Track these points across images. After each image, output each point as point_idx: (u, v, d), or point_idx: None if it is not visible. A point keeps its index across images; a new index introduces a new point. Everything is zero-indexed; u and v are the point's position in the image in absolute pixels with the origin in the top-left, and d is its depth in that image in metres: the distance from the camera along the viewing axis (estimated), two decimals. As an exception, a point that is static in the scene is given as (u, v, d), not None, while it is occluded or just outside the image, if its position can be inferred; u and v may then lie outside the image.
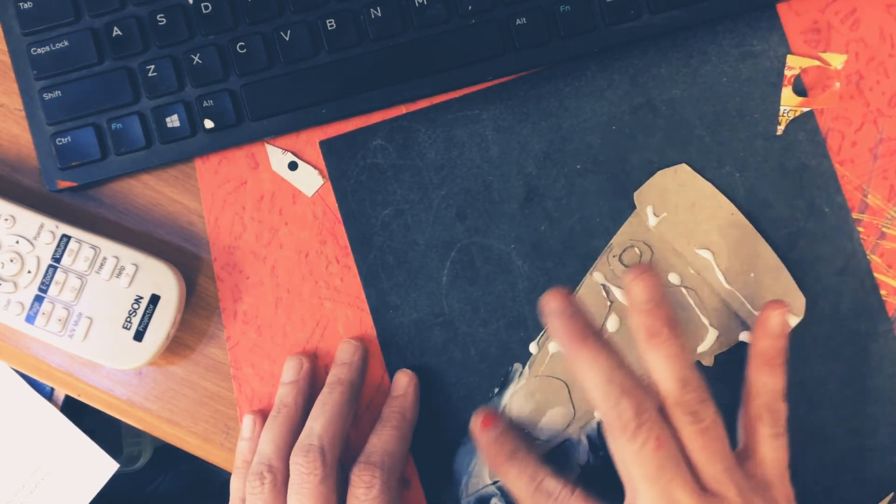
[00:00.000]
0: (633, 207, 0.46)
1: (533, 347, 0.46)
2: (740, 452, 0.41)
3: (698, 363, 0.45)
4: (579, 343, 0.39)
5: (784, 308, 0.42)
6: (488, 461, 0.44)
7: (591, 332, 0.40)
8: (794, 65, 0.46)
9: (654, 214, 0.46)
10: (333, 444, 0.43)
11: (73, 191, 0.48)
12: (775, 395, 0.41)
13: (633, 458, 0.38)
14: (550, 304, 0.41)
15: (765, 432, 0.41)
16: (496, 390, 0.47)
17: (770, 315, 0.42)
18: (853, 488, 0.46)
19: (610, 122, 0.47)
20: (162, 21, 0.46)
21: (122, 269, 0.45)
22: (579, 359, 0.39)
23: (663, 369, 0.39)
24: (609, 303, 0.46)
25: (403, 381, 0.46)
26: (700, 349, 0.45)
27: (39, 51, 0.46)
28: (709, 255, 0.45)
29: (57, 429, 0.55)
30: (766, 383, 0.41)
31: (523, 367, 0.46)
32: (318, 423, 0.43)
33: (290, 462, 0.43)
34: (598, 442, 0.46)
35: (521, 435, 0.45)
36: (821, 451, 0.45)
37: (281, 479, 0.43)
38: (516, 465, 0.42)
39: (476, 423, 0.45)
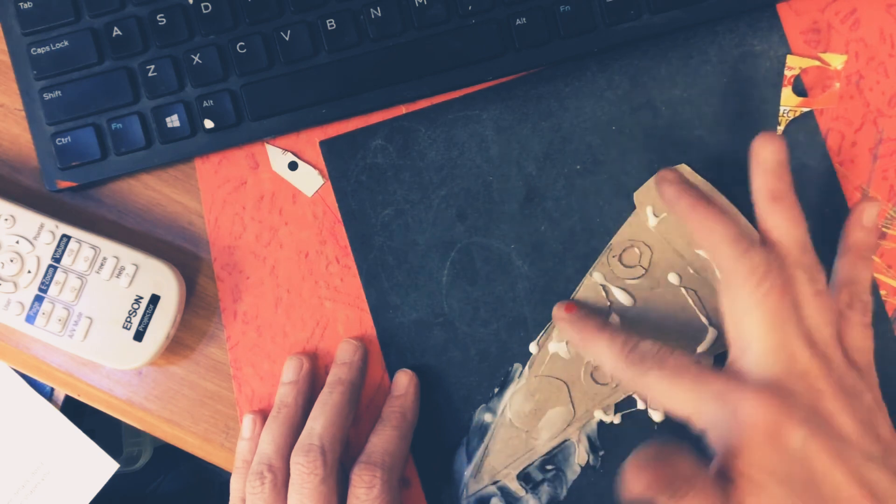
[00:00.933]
0: (633, 207, 0.46)
1: (533, 347, 0.46)
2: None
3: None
4: (703, 204, 0.40)
5: (878, 203, 0.43)
6: (576, 339, 0.44)
7: (708, 199, 0.41)
8: (794, 65, 0.46)
9: (654, 214, 0.46)
10: (334, 444, 0.43)
11: (73, 191, 0.48)
12: (865, 286, 0.42)
13: (755, 305, 0.38)
14: (666, 173, 0.42)
15: (856, 319, 0.41)
16: (496, 390, 0.47)
17: (865, 207, 0.43)
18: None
19: (610, 123, 0.47)
20: (162, 21, 0.46)
21: (122, 269, 0.45)
22: (704, 219, 0.40)
23: (786, 231, 0.40)
24: (609, 303, 0.46)
25: (404, 380, 0.46)
26: (700, 349, 0.45)
27: (39, 51, 0.46)
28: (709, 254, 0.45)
29: (57, 429, 0.55)
30: (858, 274, 0.42)
31: (523, 367, 0.46)
32: (319, 422, 0.43)
33: (291, 462, 0.43)
34: (597, 442, 0.46)
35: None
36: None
37: (281, 479, 0.43)
38: (607, 334, 0.42)
39: (559, 310, 0.45)
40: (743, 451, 0.36)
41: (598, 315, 0.45)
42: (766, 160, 0.41)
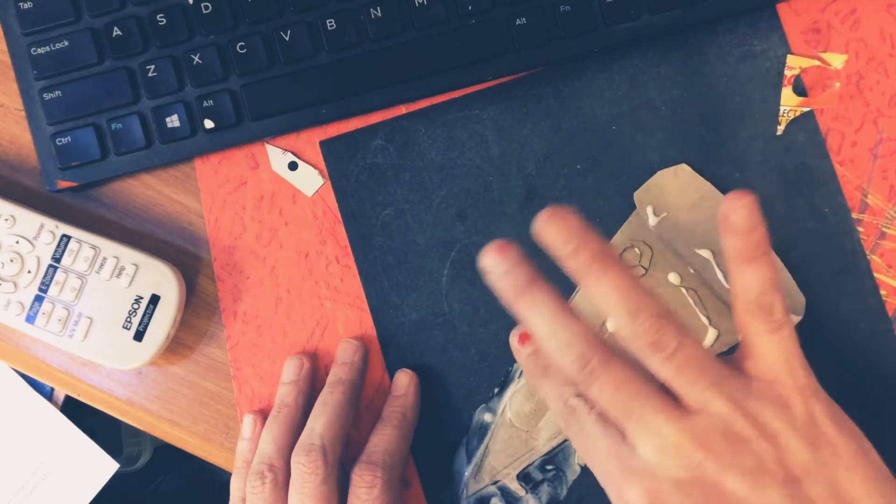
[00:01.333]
0: (633, 207, 0.46)
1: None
2: (737, 357, 0.38)
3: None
4: (523, 292, 0.36)
5: (745, 197, 0.36)
6: (527, 376, 0.41)
7: (535, 280, 0.36)
8: (794, 65, 0.46)
9: (654, 214, 0.46)
10: (335, 444, 0.43)
11: (73, 191, 0.48)
12: (762, 287, 0.36)
13: (605, 406, 0.35)
14: (485, 263, 0.37)
15: (758, 329, 0.36)
16: (496, 390, 0.47)
17: (730, 211, 0.36)
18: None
19: (610, 123, 0.47)
20: (162, 21, 0.46)
21: (122, 269, 0.45)
22: (522, 307, 0.36)
23: (608, 302, 0.35)
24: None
25: (404, 380, 0.46)
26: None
27: (39, 51, 0.46)
28: (709, 254, 0.45)
29: (57, 429, 0.55)
30: (748, 279, 0.36)
31: (523, 367, 0.46)
32: (320, 422, 0.43)
33: (292, 462, 0.43)
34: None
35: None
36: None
37: (282, 479, 0.43)
38: (547, 380, 0.39)
39: (514, 340, 0.42)
40: None
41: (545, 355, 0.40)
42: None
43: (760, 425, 0.34)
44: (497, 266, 0.36)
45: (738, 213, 0.36)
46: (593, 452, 0.36)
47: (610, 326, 0.36)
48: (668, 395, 0.35)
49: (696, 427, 0.34)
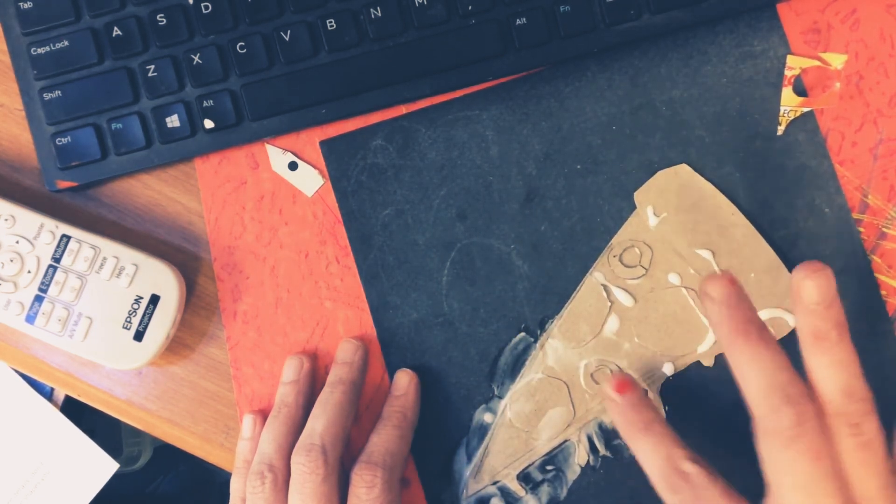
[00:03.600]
0: (634, 208, 0.46)
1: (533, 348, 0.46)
2: None
3: (697, 363, 0.45)
4: (743, 337, 0.37)
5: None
6: (619, 428, 0.42)
7: (755, 325, 0.37)
8: (795, 65, 0.46)
9: (655, 214, 0.46)
10: (335, 444, 0.43)
11: (73, 191, 0.48)
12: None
13: (785, 467, 0.36)
14: (712, 289, 0.38)
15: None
16: (495, 390, 0.47)
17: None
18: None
19: (610, 123, 0.47)
20: (162, 21, 0.46)
21: (122, 269, 0.45)
22: (740, 354, 0.37)
23: (828, 376, 0.37)
24: (609, 303, 0.46)
25: (404, 380, 0.46)
26: (700, 349, 0.45)
27: (39, 51, 0.46)
28: (709, 255, 0.45)
29: (57, 429, 0.55)
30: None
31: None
32: (320, 422, 0.43)
33: (292, 461, 0.43)
34: (597, 443, 0.46)
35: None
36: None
37: (282, 479, 0.43)
38: (651, 439, 0.40)
39: (609, 386, 0.42)
40: None
41: (647, 406, 0.41)
42: (807, 297, 0.37)
43: None
44: (729, 296, 0.37)
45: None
46: None
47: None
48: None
49: None
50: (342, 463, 0.44)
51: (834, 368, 0.37)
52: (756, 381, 0.37)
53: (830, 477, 0.36)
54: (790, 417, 0.36)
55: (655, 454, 0.39)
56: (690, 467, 0.38)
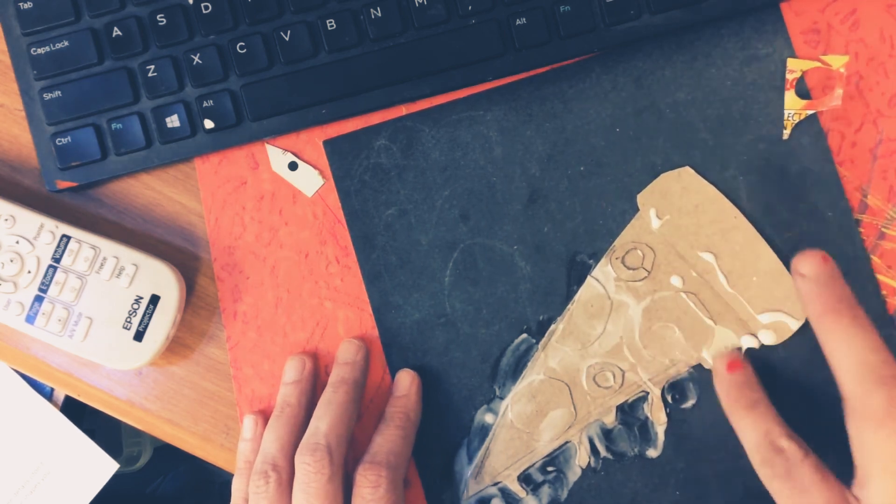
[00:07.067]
0: (637, 210, 0.46)
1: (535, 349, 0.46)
2: None
3: (699, 366, 0.45)
4: (834, 316, 0.37)
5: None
6: (724, 403, 0.42)
7: (847, 303, 0.37)
8: (795, 68, 0.46)
9: (658, 217, 0.46)
10: (340, 444, 0.43)
11: (73, 191, 0.48)
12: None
13: (875, 448, 0.36)
14: (804, 266, 0.38)
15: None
16: (497, 391, 0.47)
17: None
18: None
19: (614, 125, 0.47)
20: (162, 21, 0.46)
21: (122, 269, 0.45)
22: (830, 333, 0.37)
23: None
24: (612, 305, 0.46)
25: (406, 380, 0.46)
26: (706, 351, 0.45)
27: (39, 51, 0.46)
28: (711, 257, 0.45)
29: (57, 429, 0.54)
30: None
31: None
32: (324, 422, 0.43)
33: (297, 461, 0.42)
34: (598, 444, 0.46)
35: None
36: (821, 455, 0.45)
37: (286, 478, 0.43)
38: (752, 417, 0.40)
39: (721, 363, 0.43)
40: None
41: (755, 387, 0.42)
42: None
43: None
44: (821, 274, 0.38)
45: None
46: (801, 500, 0.37)
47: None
48: None
49: None
50: (345, 463, 0.44)
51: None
52: (847, 361, 0.37)
53: None
54: (883, 399, 0.36)
55: (755, 429, 0.40)
56: (786, 443, 0.39)
